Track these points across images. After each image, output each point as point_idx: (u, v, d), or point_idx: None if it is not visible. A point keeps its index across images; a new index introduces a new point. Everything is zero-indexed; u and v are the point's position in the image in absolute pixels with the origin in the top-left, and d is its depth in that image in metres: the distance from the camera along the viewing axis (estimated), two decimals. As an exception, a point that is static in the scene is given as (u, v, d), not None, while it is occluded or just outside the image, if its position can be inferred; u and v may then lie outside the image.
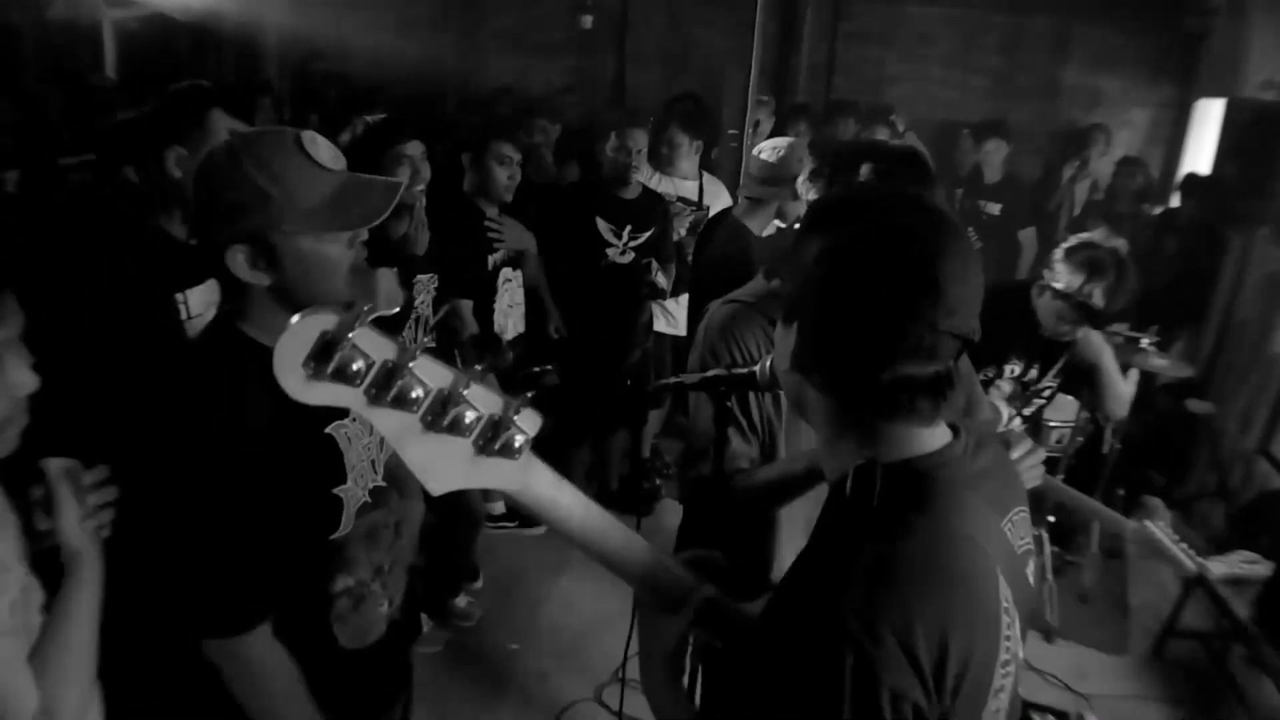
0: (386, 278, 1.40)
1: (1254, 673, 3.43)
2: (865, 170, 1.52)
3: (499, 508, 3.93)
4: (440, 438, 0.89)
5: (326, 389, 0.83)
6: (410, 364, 0.85)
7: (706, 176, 4.63)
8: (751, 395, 1.84)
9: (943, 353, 0.95)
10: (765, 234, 3.39)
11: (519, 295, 3.67)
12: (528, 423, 0.93)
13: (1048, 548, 3.55)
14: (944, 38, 6.33)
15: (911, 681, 0.86)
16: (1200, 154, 5.28)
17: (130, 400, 1.47)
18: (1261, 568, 3.49)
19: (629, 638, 1.27)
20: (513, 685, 3.29)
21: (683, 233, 4.28)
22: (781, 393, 1.40)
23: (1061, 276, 2.74)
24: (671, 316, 4.44)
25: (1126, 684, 3.44)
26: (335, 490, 1.50)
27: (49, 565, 1.30)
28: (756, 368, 1.35)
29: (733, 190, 4.83)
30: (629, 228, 3.92)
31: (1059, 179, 5.70)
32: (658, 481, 4.86)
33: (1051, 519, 3.57)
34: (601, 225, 3.89)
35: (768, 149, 3.37)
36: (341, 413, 1.44)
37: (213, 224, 1.39)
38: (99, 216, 2.48)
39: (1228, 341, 4.71)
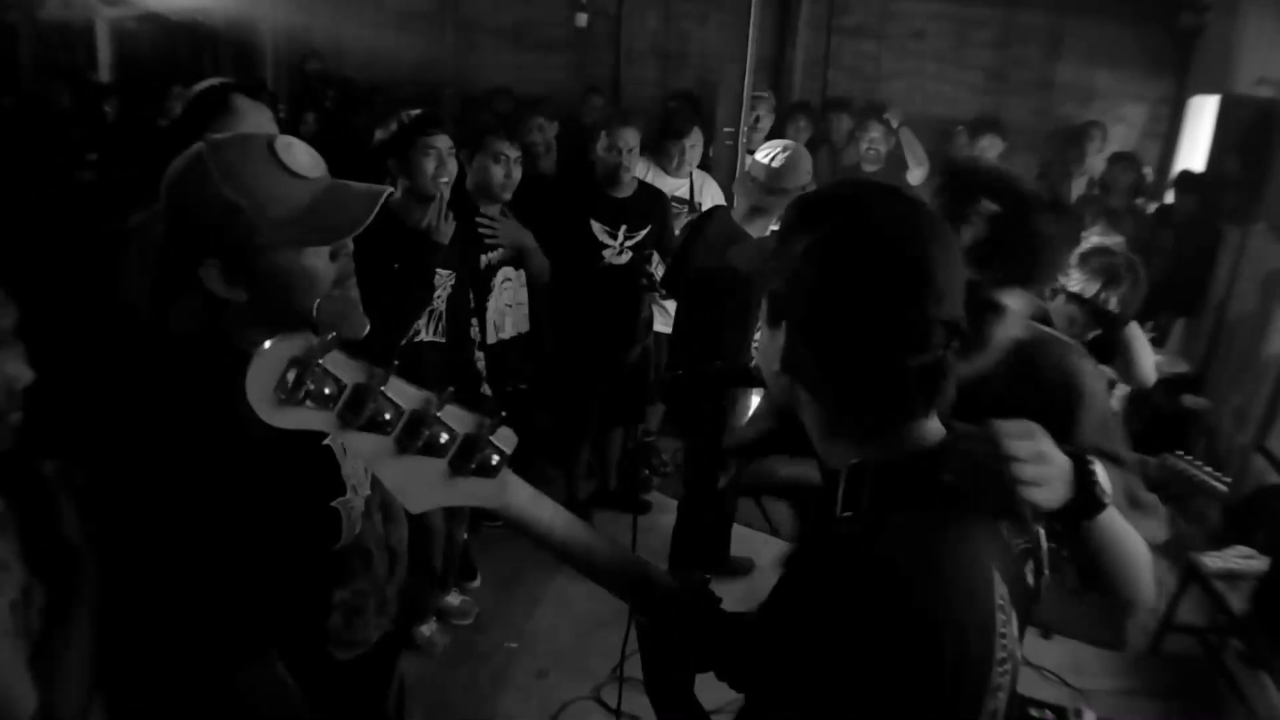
0: (351, 303, 1.37)
1: (1250, 668, 3.44)
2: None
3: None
4: (415, 459, 0.89)
5: (298, 414, 0.84)
6: (381, 386, 0.85)
7: (697, 173, 4.63)
8: None
9: (935, 342, 0.95)
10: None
11: (522, 295, 3.65)
12: (504, 441, 0.94)
13: (1044, 544, 3.55)
14: (938, 34, 6.32)
15: (908, 682, 0.86)
16: (1195, 150, 5.28)
17: (125, 409, 1.41)
18: (1257, 563, 3.50)
19: (626, 636, 1.28)
20: (510, 684, 3.30)
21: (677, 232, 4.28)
22: None
23: (1076, 281, 2.74)
24: (670, 316, 4.45)
25: (1123, 679, 3.44)
26: (334, 503, 1.49)
27: (49, 566, 1.31)
28: (753, 363, 1.36)
29: (725, 187, 4.84)
30: (624, 227, 3.91)
31: (1056, 175, 5.70)
32: (654, 480, 4.88)
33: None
34: (596, 227, 3.88)
35: (768, 153, 3.36)
36: None
37: (183, 235, 1.31)
38: (103, 217, 2.48)
39: (1223, 337, 4.72)
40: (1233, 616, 3.38)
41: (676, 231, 4.10)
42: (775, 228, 3.41)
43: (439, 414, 0.88)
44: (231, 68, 7.08)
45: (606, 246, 3.89)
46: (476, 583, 3.75)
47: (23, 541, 1.28)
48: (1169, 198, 5.26)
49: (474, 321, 3.15)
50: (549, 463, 4.28)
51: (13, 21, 6.09)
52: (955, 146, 5.84)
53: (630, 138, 3.81)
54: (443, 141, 2.79)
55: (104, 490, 1.35)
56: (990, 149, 5.43)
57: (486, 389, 3.07)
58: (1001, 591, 0.97)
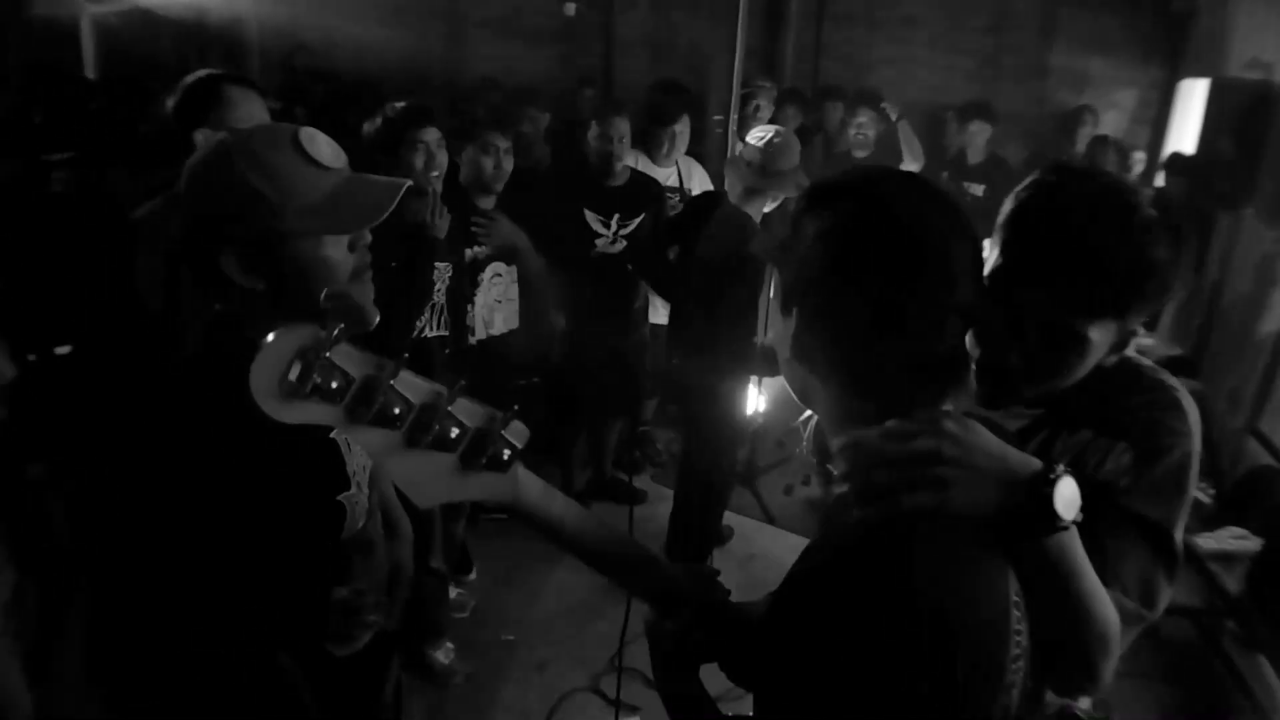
0: (365, 294, 1.37)
1: (1246, 649, 3.45)
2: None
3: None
4: (425, 453, 0.88)
5: (305, 408, 0.82)
6: (391, 380, 0.84)
7: (684, 160, 4.62)
8: None
9: (949, 330, 0.94)
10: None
11: (512, 291, 3.63)
12: (515, 435, 0.93)
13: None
14: (930, 20, 6.31)
15: (919, 679, 0.85)
16: (1185, 135, 5.27)
17: (132, 407, 1.42)
18: (1251, 543, 3.52)
19: (624, 626, 1.28)
20: (509, 676, 3.31)
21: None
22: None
23: None
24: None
25: (1119, 663, 3.45)
26: (340, 497, 1.49)
27: (41, 568, 1.30)
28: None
29: (716, 176, 4.82)
30: (617, 216, 3.90)
31: (1048, 160, 5.70)
32: (649, 468, 4.88)
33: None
34: (589, 216, 3.87)
35: (761, 135, 3.39)
36: None
37: (204, 225, 1.32)
38: (93, 214, 2.49)
39: (1216, 321, 4.73)
40: (1227, 598, 3.40)
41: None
42: (768, 208, 3.43)
43: (450, 408, 0.87)
44: (218, 63, 7.03)
45: (600, 236, 3.89)
46: (473, 576, 3.75)
47: (13, 544, 1.28)
48: (1159, 181, 5.26)
49: (470, 311, 3.14)
50: (544, 454, 4.28)
51: (-2, 20, 6.05)
52: (946, 133, 5.84)
53: (621, 126, 3.82)
54: (431, 135, 2.77)
55: (108, 483, 1.35)
56: (979, 134, 5.43)
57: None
58: (1015, 587, 0.95)
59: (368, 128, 2.79)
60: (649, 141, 4.28)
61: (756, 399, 4.08)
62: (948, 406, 0.99)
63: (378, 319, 1.39)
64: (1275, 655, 3.12)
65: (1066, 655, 1.07)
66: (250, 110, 2.22)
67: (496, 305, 3.52)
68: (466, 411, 0.89)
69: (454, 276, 3.01)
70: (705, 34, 6.00)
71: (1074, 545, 0.99)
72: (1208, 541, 3.41)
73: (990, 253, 1.27)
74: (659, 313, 4.38)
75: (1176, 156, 5.02)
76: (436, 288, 2.91)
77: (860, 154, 5.35)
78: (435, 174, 2.80)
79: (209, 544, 1.32)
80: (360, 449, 1.50)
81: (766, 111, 5.29)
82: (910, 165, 5.39)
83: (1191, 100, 5.22)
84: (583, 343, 3.99)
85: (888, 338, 0.93)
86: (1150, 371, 1.37)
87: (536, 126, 5.21)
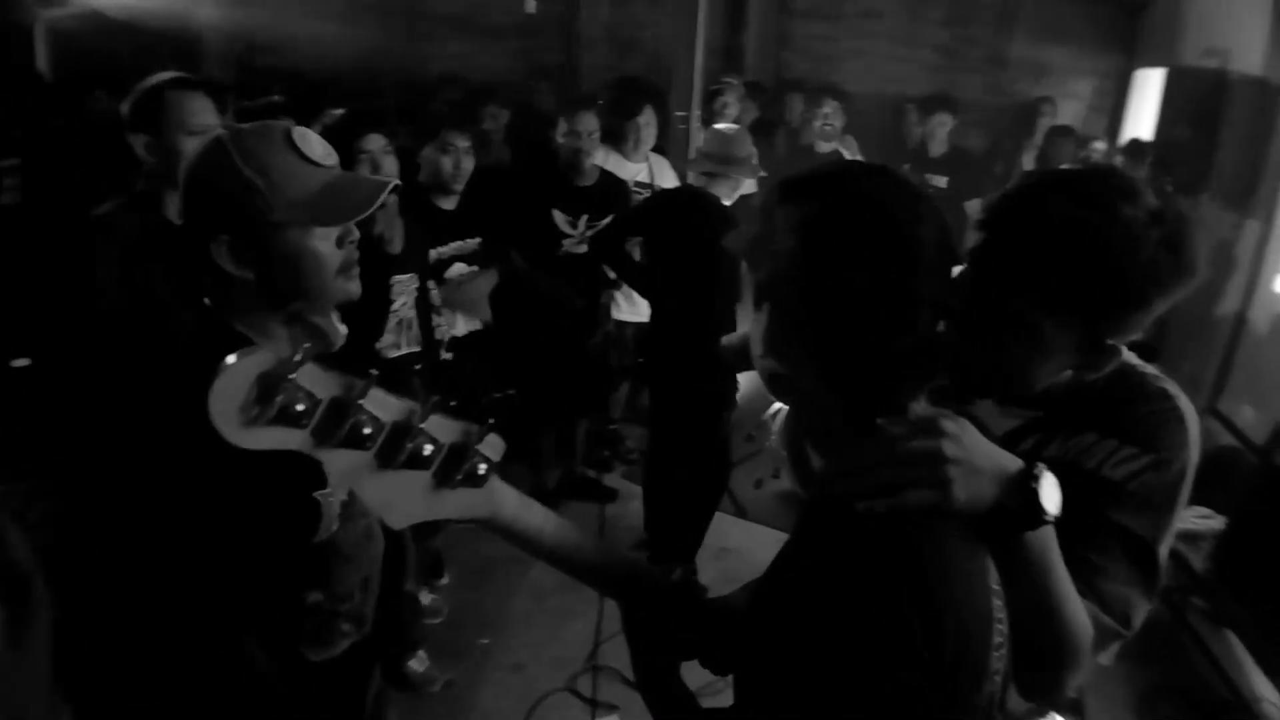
0: (326, 312, 1.38)
1: (1214, 625, 3.51)
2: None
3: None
4: (398, 473, 0.86)
5: (269, 434, 0.79)
6: (360, 399, 0.81)
7: (654, 157, 4.61)
8: None
9: (923, 323, 0.94)
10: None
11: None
12: (491, 449, 0.92)
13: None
14: (890, 13, 6.34)
15: (910, 670, 0.86)
16: (1141, 123, 5.35)
17: (114, 397, 1.48)
18: (1215, 522, 3.59)
19: (598, 625, 1.27)
20: (486, 679, 3.28)
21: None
22: None
23: None
24: (632, 302, 4.43)
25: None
26: (316, 494, 1.49)
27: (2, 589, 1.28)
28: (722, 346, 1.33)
29: (680, 172, 4.82)
30: (586, 217, 3.88)
31: (1007, 151, 5.76)
32: (619, 466, 4.88)
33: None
34: (558, 216, 3.84)
35: (713, 130, 3.50)
36: None
37: (199, 213, 1.38)
38: (46, 222, 2.48)
39: (1176, 304, 4.80)
40: (1194, 576, 3.46)
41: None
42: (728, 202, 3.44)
43: (422, 425, 0.85)
44: (174, 65, 6.91)
45: (567, 236, 3.86)
46: (445, 580, 3.72)
47: None
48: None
49: (437, 319, 3.08)
50: (513, 455, 4.25)
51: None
52: (907, 124, 5.88)
53: (589, 123, 3.77)
54: (374, 143, 2.65)
55: (85, 480, 1.35)
56: (941, 126, 5.46)
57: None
58: (995, 576, 0.97)
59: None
60: (616, 137, 4.26)
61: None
62: (923, 400, 1.00)
63: (344, 337, 1.39)
64: (1243, 630, 3.18)
65: (1034, 660, 1.07)
66: (202, 111, 2.21)
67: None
68: (440, 427, 0.87)
69: (422, 287, 2.92)
70: (667, 28, 5.98)
71: (1051, 544, 1.01)
72: (1172, 523, 3.47)
73: (968, 244, 1.26)
74: (621, 309, 4.38)
75: (1135, 141, 5.09)
76: (403, 301, 2.84)
77: (825, 146, 5.32)
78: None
79: (181, 533, 1.34)
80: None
81: (734, 109, 5.28)
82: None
83: (1148, 89, 5.30)
84: (546, 341, 3.98)
85: (861, 331, 0.93)
86: (1154, 380, 1.32)
87: (498, 124, 5.17)
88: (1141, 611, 1.26)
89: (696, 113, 4.81)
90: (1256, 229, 4.23)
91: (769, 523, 4.19)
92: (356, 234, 1.46)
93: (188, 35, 6.83)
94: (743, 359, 1.14)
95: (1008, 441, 1.05)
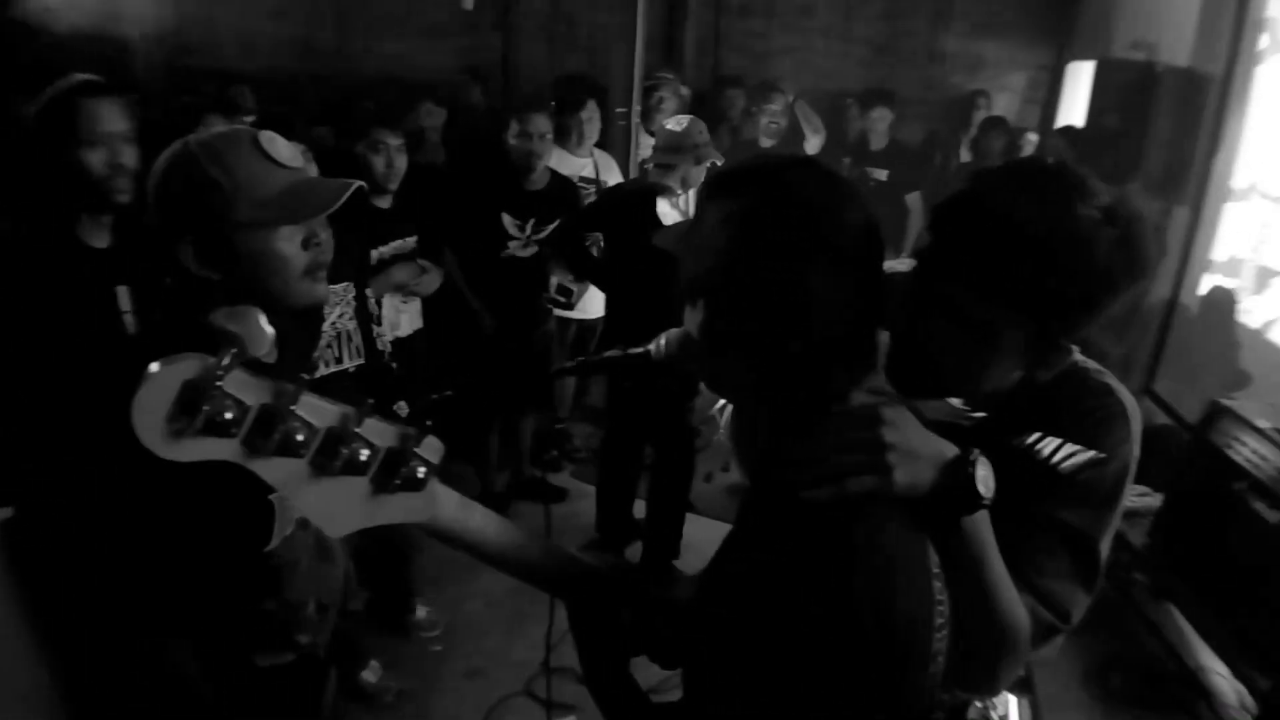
0: (255, 316, 1.36)
1: (1156, 599, 3.61)
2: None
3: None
4: (335, 480, 0.83)
5: (197, 444, 0.75)
6: (292, 405, 0.79)
7: (598, 153, 4.59)
8: None
9: (853, 312, 0.95)
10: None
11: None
12: (430, 452, 0.90)
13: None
14: (826, 9, 6.38)
15: (856, 651, 0.86)
16: (1073, 115, 5.45)
17: (77, 395, 1.46)
18: (1153, 499, 3.67)
19: (549, 627, 1.26)
20: (441, 686, 3.25)
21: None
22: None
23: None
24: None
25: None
26: (271, 496, 1.48)
27: None
28: (651, 347, 1.32)
29: (621, 167, 4.81)
30: (533, 221, 3.85)
31: (944, 144, 5.84)
32: (567, 465, 4.86)
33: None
34: (506, 220, 3.81)
35: (672, 121, 3.48)
36: None
37: (166, 215, 1.41)
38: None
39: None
40: (1134, 552, 3.55)
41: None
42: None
43: (358, 429, 0.82)
44: (100, 67, 6.74)
45: (513, 239, 3.83)
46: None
47: None
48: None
49: (377, 328, 3.01)
50: (458, 457, 4.22)
51: None
52: (847, 119, 5.93)
53: (541, 124, 3.72)
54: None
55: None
56: (880, 120, 5.51)
57: (402, 406, 2.92)
58: (934, 559, 0.98)
59: None
60: (559, 133, 4.23)
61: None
62: (862, 391, 1.00)
63: (272, 339, 1.37)
64: (1183, 603, 3.26)
65: (969, 650, 1.07)
66: (110, 115, 2.09)
67: (401, 306, 3.44)
68: (376, 432, 0.85)
69: (359, 295, 2.84)
70: (604, 25, 5.96)
71: (987, 532, 1.02)
72: (1113, 501, 3.55)
73: (920, 238, 1.24)
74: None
75: (1069, 128, 5.18)
76: (340, 313, 2.76)
77: (769, 142, 5.33)
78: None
79: (130, 531, 1.35)
80: None
81: (671, 104, 5.28)
82: (812, 140, 5.44)
83: (1079, 81, 5.41)
84: (490, 342, 3.95)
85: (794, 323, 0.93)
86: (1097, 375, 1.32)
87: (434, 121, 5.10)
88: (1081, 606, 1.27)
89: (636, 108, 4.80)
90: (1185, 215, 4.34)
91: (719, 516, 4.20)
92: (323, 237, 1.48)
93: (117, 38, 6.66)
94: (679, 356, 1.13)
95: (958, 437, 1.05)
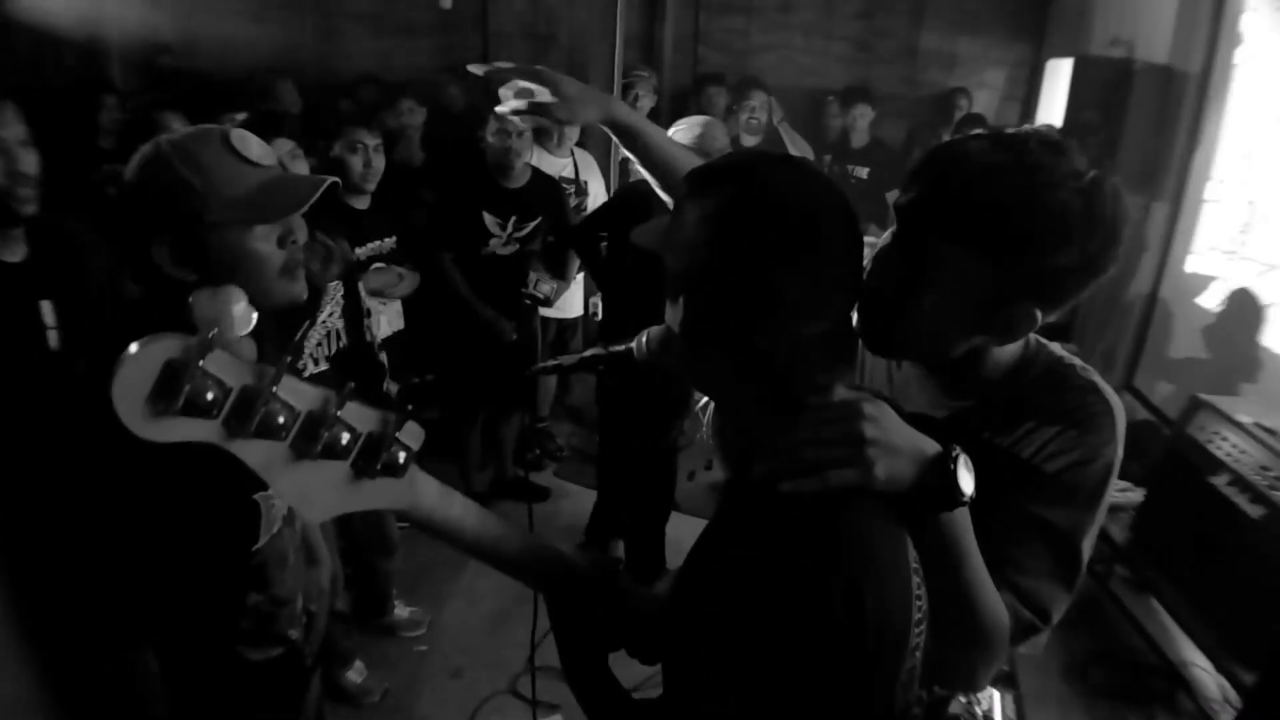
0: (236, 296, 1.35)
1: (1137, 592, 3.63)
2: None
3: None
4: (315, 464, 0.82)
5: (177, 425, 0.74)
6: (273, 387, 0.77)
7: (578, 152, 4.59)
8: None
9: (832, 310, 0.95)
10: None
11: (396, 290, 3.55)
12: (410, 437, 0.88)
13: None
14: (805, 6, 6.38)
15: (834, 644, 0.86)
16: (1052, 112, 5.49)
17: (49, 398, 1.48)
18: (1135, 494, 3.70)
19: (533, 625, 1.26)
20: (425, 687, 3.24)
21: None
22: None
23: None
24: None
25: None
26: (255, 496, 1.47)
27: None
28: (633, 344, 1.31)
29: (601, 166, 4.80)
30: (514, 219, 3.83)
31: (925, 141, 5.84)
32: (548, 463, 4.85)
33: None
34: (487, 218, 3.79)
35: (682, 128, 3.30)
36: None
37: (138, 217, 1.40)
38: None
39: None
40: (1116, 546, 3.57)
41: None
42: None
43: (339, 413, 0.81)
44: (77, 67, 6.66)
45: (494, 237, 3.81)
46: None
47: None
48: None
49: (367, 320, 2.99)
50: (439, 455, 4.20)
51: None
52: (827, 116, 5.94)
53: (518, 121, 3.69)
54: (280, 148, 2.57)
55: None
56: (861, 118, 5.52)
57: (390, 385, 2.90)
58: (913, 554, 0.99)
59: None
60: (539, 132, 4.22)
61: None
62: (842, 384, 1.01)
63: (254, 321, 1.36)
64: (1164, 596, 3.28)
65: (947, 647, 1.07)
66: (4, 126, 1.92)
67: (381, 307, 3.42)
68: (357, 416, 0.84)
69: (347, 294, 2.81)
70: (584, 23, 5.95)
71: (966, 528, 1.03)
72: (1094, 497, 3.57)
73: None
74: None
75: (1047, 127, 5.22)
76: (330, 312, 2.74)
77: (751, 140, 5.29)
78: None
79: (111, 533, 1.33)
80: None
81: (646, 101, 5.28)
82: None
83: (1058, 78, 5.43)
84: (473, 341, 3.92)
85: (774, 318, 0.94)
86: (1082, 372, 1.30)
87: (414, 119, 5.07)
88: (1062, 606, 1.25)
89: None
90: (1164, 210, 4.37)
91: (702, 514, 4.18)
92: (299, 235, 1.47)
93: (94, 37, 6.60)
94: (661, 353, 1.12)
95: (939, 433, 1.04)
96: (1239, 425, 3.19)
